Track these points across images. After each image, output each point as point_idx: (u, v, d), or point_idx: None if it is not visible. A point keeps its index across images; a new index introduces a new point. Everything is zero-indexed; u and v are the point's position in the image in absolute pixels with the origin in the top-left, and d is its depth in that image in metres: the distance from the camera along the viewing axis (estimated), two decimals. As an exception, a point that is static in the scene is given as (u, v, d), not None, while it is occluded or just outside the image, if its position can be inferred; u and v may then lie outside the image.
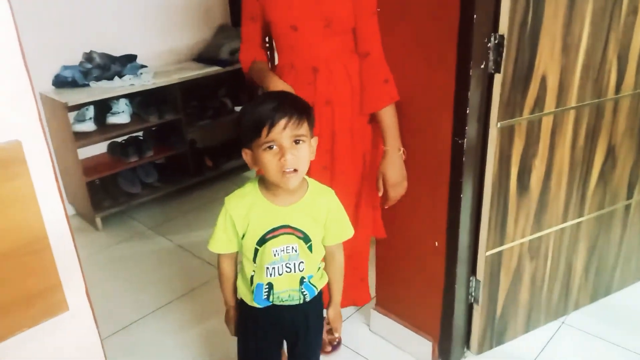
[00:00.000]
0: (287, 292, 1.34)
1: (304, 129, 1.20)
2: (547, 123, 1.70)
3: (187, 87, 3.25)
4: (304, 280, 1.34)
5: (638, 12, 1.72)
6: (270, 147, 1.17)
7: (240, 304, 1.43)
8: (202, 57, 3.50)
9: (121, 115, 3.04)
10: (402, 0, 1.55)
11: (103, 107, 3.03)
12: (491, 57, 1.52)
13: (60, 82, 2.91)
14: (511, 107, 1.61)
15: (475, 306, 1.89)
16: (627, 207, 2.10)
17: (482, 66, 1.52)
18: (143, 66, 3.14)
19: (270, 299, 1.34)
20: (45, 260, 0.91)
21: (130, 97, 3.11)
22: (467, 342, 1.97)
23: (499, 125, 1.60)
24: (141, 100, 3.17)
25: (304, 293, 1.36)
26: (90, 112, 2.96)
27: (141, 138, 3.34)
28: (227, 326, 1.50)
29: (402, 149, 1.64)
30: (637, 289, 2.29)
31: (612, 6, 1.65)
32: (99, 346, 1.13)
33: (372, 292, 2.06)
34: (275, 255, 1.28)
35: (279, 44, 1.64)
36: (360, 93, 1.61)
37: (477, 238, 1.78)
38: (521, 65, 1.56)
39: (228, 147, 3.57)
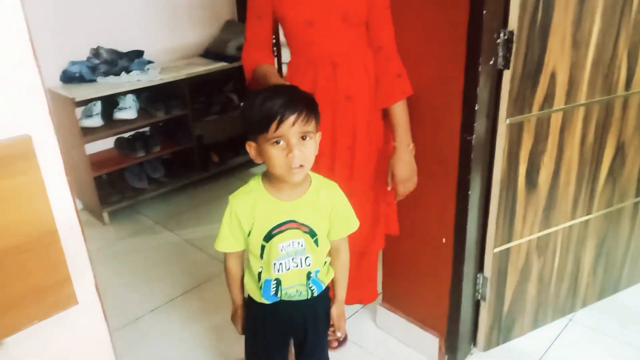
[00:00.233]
0: (294, 288, 1.34)
1: (312, 125, 1.19)
2: (556, 119, 1.69)
3: (194, 83, 3.25)
4: (311, 275, 1.34)
5: (649, 7, 1.71)
6: (277, 142, 1.17)
7: (248, 300, 1.43)
8: (209, 52, 3.50)
9: (128, 110, 3.05)
10: (411, -5, 1.55)
11: (110, 103, 3.04)
12: (500, 53, 1.52)
13: (67, 78, 2.92)
14: (520, 104, 1.60)
15: (482, 303, 1.88)
16: (636, 205, 2.08)
17: (492, 62, 1.51)
18: (150, 62, 3.14)
19: (279, 295, 1.34)
20: (55, 254, 0.91)
21: (137, 92, 3.12)
22: (474, 338, 1.97)
23: (508, 121, 1.59)
24: (148, 96, 3.18)
25: (312, 288, 1.36)
26: (98, 107, 2.97)
27: (148, 133, 3.35)
28: (234, 325, 1.49)
29: (411, 144, 1.63)
30: (645, 287, 2.28)
31: (622, 2, 1.64)
32: (108, 340, 1.13)
33: (379, 288, 2.06)
34: (282, 250, 1.28)
35: (293, 40, 1.60)
36: (375, 87, 1.60)
37: (484, 235, 1.78)
38: (531, 61, 1.55)
39: (235, 142, 3.58)
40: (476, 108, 1.52)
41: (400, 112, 1.59)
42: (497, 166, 1.66)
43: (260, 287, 1.34)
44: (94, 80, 2.94)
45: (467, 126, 1.56)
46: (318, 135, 1.25)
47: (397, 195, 1.68)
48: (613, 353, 1.95)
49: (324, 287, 1.40)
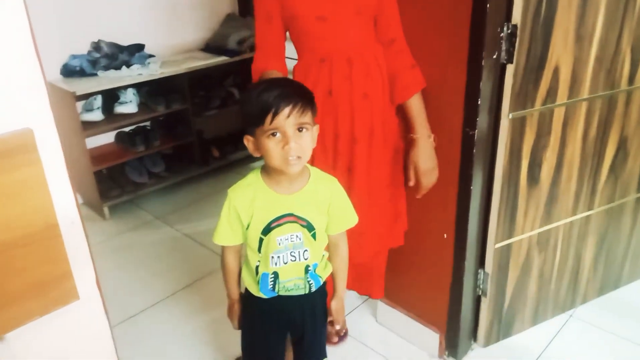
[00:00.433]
0: (292, 282, 1.34)
1: (308, 117, 1.19)
2: (559, 114, 1.69)
3: (194, 77, 3.24)
4: (309, 269, 1.34)
5: (653, 2, 1.70)
6: (273, 134, 1.17)
7: (246, 294, 1.43)
8: (210, 46, 3.49)
9: (129, 104, 3.04)
10: (413, -11, 1.54)
11: (111, 97, 3.03)
12: (504, 47, 1.51)
13: (68, 72, 2.91)
14: (523, 98, 1.59)
15: (483, 298, 1.88)
16: (638, 200, 2.08)
17: (495, 56, 1.50)
18: (151, 55, 3.13)
19: (276, 290, 1.34)
20: (56, 248, 0.91)
21: (137, 86, 3.11)
22: (474, 334, 1.97)
23: (510, 116, 1.59)
24: (149, 90, 3.17)
25: (310, 282, 1.35)
26: (98, 101, 2.96)
27: (148, 128, 3.34)
28: (230, 320, 1.49)
29: (432, 135, 1.60)
30: (646, 283, 2.28)
31: (626, -3, 1.63)
32: (109, 334, 1.13)
33: (380, 283, 2.06)
34: (279, 244, 1.28)
35: (303, 39, 1.53)
36: (389, 83, 1.57)
37: (486, 230, 1.77)
38: (534, 56, 1.54)
39: (235, 137, 3.57)
40: (479, 102, 1.51)
41: (417, 104, 1.57)
42: (499, 161, 1.66)
43: (258, 282, 1.34)
44: (95, 74, 2.93)
45: (470, 121, 1.55)
46: (315, 128, 1.25)
47: (422, 189, 1.64)
48: (613, 349, 1.96)
49: (322, 282, 1.40)
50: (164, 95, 3.15)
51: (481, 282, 1.85)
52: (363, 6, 1.47)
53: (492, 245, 1.78)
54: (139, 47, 3.11)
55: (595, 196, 1.94)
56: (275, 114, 1.14)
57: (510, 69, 1.53)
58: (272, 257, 1.29)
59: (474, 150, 1.57)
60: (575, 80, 1.66)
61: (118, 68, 2.95)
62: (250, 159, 3.58)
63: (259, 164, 1.28)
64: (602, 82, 1.72)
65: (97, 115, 2.95)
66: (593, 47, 1.64)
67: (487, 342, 1.97)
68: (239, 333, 1.50)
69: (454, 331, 1.87)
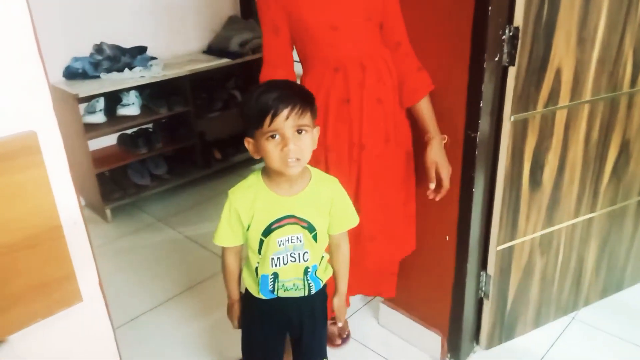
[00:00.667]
0: (292, 282, 1.34)
1: (307, 119, 1.19)
2: (561, 117, 1.69)
3: (196, 79, 3.25)
4: (308, 270, 1.34)
5: (655, 4, 1.70)
6: (272, 137, 1.17)
7: (246, 294, 1.44)
8: (212, 49, 3.49)
9: (131, 107, 3.05)
10: (415, -9, 1.54)
11: (113, 99, 3.04)
12: (506, 49, 1.51)
13: (70, 74, 2.91)
14: (525, 101, 1.59)
15: (485, 301, 1.88)
16: (640, 203, 2.08)
17: (497, 59, 1.50)
18: (153, 58, 3.14)
19: (276, 291, 1.34)
20: (59, 250, 0.91)
21: (140, 89, 3.11)
22: (476, 337, 1.96)
23: (512, 118, 1.59)
24: (151, 92, 3.18)
25: (310, 284, 1.36)
26: (101, 103, 2.97)
27: (151, 130, 3.35)
28: (230, 319, 1.50)
29: (445, 136, 1.59)
30: (648, 286, 2.27)
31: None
32: (112, 336, 1.13)
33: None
34: (280, 245, 1.28)
35: (314, 48, 1.50)
36: (398, 87, 1.56)
37: (488, 232, 1.77)
38: (536, 58, 1.54)
39: (237, 139, 3.57)
40: (481, 105, 1.51)
41: (427, 105, 1.56)
42: (501, 164, 1.65)
43: (258, 283, 1.34)
44: (97, 77, 2.93)
45: (472, 123, 1.55)
46: (316, 130, 1.25)
47: (443, 189, 1.60)
48: (615, 352, 1.95)
49: (322, 285, 1.40)
50: (166, 98, 3.16)
51: (483, 284, 1.85)
52: (372, 12, 1.47)
53: (494, 248, 1.77)
54: (141, 50, 3.11)
55: (597, 199, 1.93)
56: (274, 116, 1.15)
57: (512, 71, 1.53)
58: (272, 258, 1.30)
59: (476, 153, 1.57)
60: (577, 82, 1.66)
61: (120, 70, 2.96)
62: (252, 161, 3.58)
63: (261, 166, 1.29)
64: (604, 84, 1.72)
65: (99, 118, 2.96)
66: (595, 50, 1.64)
67: (490, 345, 1.96)
68: (239, 336, 1.50)
69: (456, 333, 1.87)
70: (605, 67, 1.69)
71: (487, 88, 1.51)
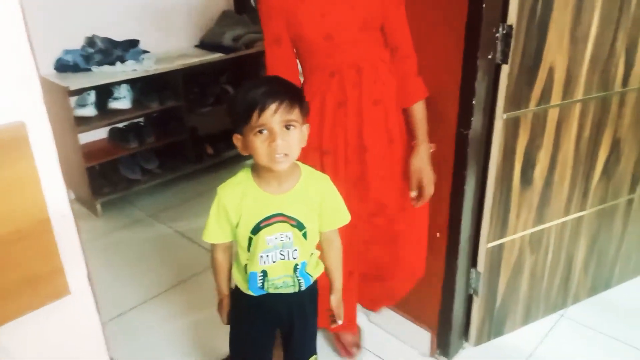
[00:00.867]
0: (281, 279, 1.34)
1: (295, 114, 1.18)
2: (552, 115, 1.69)
3: (188, 74, 3.23)
4: (298, 267, 1.33)
5: (647, 5, 1.71)
6: (260, 132, 1.17)
7: (235, 290, 1.43)
8: (205, 43, 3.48)
9: (122, 100, 3.03)
10: (409, -12, 1.54)
11: (104, 92, 3.01)
12: (499, 47, 1.51)
13: (61, 66, 2.89)
14: (517, 99, 1.60)
15: (474, 298, 1.89)
16: (630, 202, 2.09)
17: (490, 56, 1.50)
18: (145, 51, 3.11)
19: (265, 288, 1.34)
20: (47, 244, 0.90)
21: (131, 82, 3.08)
22: (465, 333, 1.97)
23: (504, 116, 1.59)
24: (142, 86, 3.15)
25: (300, 280, 1.35)
26: (92, 97, 2.94)
27: (142, 124, 3.33)
28: (220, 315, 1.49)
29: (431, 145, 1.58)
30: (636, 284, 2.29)
31: (621, -1, 1.64)
32: (100, 330, 1.13)
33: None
34: (269, 243, 1.28)
35: (310, 56, 1.52)
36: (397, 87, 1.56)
37: (478, 230, 1.78)
38: (529, 56, 1.55)
39: (229, 134, 3.48)
40: (473, 102, 1.51)
41: (422, 110, 1.56)
42: (493, 161, 1.66)
43: (247, 280, 1.34)
44: (88, 70, 2.91)
45: (464, 121, 1.55)
46: (305, 127, 1.24)
47: (424, 197, 1.59)
48: (603, 349, 1.97)
49: (312, 281, 1.40)
50: (158, 92, 3.14)
51: (473, 281, 1.86)
52: (368, 20, 1.46)
53: (485, 245, 1.78)
54: (134, 43, 3.09)
55: (587, 197, 1.95)
56: (261, 111, 1.14)
57: (505, 69, 1.54)
58: (261, 256, 1.29)
59: (468, 150, 1.58)
60: (569, 81, 1.67)
61: (112, 64, 2.93)
62: (244, 157, 3.57)
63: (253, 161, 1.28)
64: (597, 83, 1.73)
65: (90, 111, 2.93)
66: (588, 49, 1.65)
67: (479, 342, 1.97)
68: (228, 332, 1.49)
69: (445, 330, 1.88)
70: (598, 67, 1.70)
71: (480, 86, 1.51)
